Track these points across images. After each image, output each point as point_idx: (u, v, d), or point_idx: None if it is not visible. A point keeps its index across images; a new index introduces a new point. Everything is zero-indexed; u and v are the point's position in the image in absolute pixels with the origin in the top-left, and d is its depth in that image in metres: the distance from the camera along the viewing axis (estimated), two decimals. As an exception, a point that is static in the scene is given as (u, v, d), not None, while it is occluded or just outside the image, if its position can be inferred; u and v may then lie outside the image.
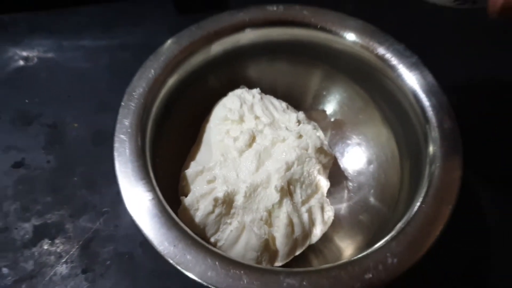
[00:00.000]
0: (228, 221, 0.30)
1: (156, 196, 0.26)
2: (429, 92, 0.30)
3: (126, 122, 0.29)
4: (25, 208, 0.36)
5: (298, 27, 0.34)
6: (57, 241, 0.35)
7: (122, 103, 0.29)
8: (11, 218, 0.36)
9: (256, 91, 0.35)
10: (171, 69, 0.32)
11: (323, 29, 0.34)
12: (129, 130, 0.28)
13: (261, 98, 0.34)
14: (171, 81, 0.32)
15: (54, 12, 0.48)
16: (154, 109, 0.30)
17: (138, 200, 0.26)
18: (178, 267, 0.24)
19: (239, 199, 0.30)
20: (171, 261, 0.24)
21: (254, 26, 0.34)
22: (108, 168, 0.38)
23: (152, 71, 0.31)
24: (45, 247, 0.35)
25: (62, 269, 0.34)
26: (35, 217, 0.36)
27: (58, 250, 0.35)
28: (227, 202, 0.29)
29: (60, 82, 0.43)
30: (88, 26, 0.47)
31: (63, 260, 0.34)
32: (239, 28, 0.33)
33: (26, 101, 0.42)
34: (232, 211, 0.30)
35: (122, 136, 0.28)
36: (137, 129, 0.29)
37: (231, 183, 0.30)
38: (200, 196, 0.30)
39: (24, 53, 0.45)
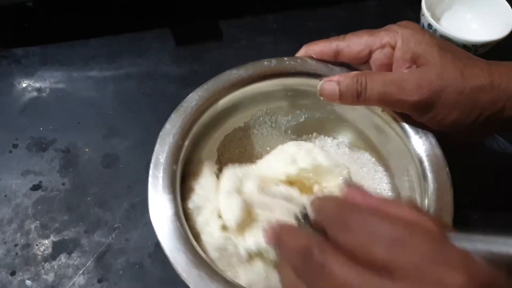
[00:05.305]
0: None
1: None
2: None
3: (161, 159, 0.33)
4: (44, 226, 0.40)
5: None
6: (74, 255, 0.39)
7: (157, 145, 0.33)
8: (32, 236, 0.40)
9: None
10: (196, 117, 0.36)
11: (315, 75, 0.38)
12: (164, 165, 0.33)
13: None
14: (195, 128, 0.36)
15: (64, 45, 0.53)
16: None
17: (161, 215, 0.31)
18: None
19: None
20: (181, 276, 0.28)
21: (254, 81, 0.38)
22: (117, 188, 0.43)
23: (181, 119, 0.35)
24: (64, 260, 0.39)
25: (80, 279, 0.38)
26: (53, 234, 0.40)
27: (76, 263, 0.39)
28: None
29: (71, 110, 0.48)
30: (95, 58, 0.52)
31: (80, 272, 0.38)
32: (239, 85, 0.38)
33: (41, 129, 0.46)
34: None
35: (156, 171, 0.32)
36: (170, 164, 0.33)
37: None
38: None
39: (37, 85, 0.50)
